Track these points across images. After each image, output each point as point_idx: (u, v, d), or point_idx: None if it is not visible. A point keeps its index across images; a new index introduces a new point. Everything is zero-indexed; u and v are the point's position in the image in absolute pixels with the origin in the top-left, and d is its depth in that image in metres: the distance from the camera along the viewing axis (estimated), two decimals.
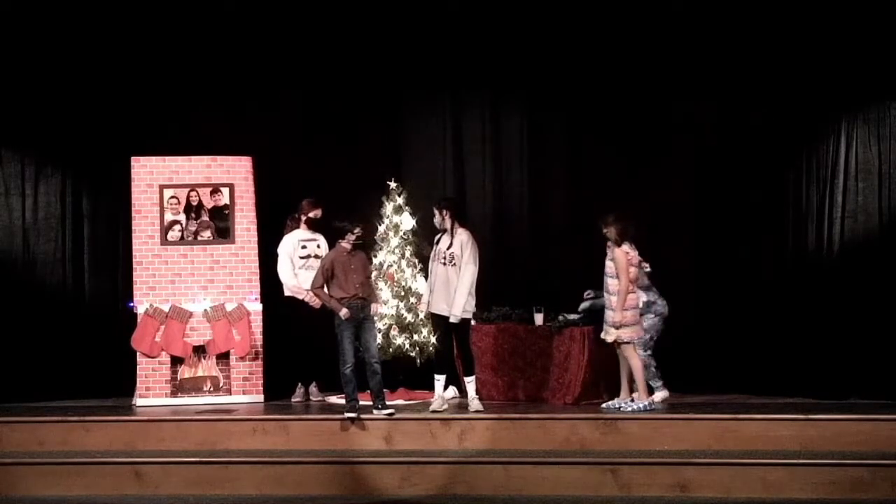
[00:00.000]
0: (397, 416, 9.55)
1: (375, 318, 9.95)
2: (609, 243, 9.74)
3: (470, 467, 8.87)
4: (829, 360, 10.38)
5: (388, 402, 9.71)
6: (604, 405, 9.82)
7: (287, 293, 10.52)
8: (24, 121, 11.34)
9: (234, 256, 10.87)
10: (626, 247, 9.64)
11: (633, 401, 9.72)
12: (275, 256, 10.67)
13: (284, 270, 10.53)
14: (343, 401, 9.78)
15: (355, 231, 9.73)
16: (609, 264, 9.74)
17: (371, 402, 9.66)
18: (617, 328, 9.63)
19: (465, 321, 9.81)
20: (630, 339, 9.68)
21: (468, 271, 9.66)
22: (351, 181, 11.56)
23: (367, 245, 11.03)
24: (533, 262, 11.68)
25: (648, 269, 9.95)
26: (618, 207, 9.87)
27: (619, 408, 9.67)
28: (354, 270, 9.74)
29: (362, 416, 9.47)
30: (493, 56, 11.62)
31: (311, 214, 10.64)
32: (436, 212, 9.84)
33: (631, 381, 9.77)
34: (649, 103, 11.33)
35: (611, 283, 9.72)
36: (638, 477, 8.62)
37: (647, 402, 9.65)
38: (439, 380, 9.78)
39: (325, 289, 9.76)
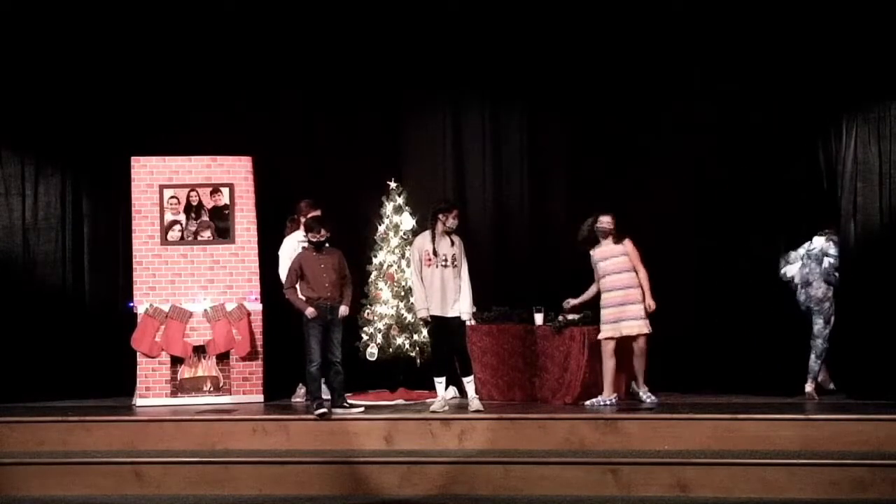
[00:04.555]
0: (397, 416, 9.55)
1: (373, 318, 9.92)
2: (611, 240, 9.87)
3: (470, 467, 8.86)
4: (830, 360, 10.37)
5: (387, 403, 9.67)
6: (587, 403, 9.86)
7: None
8: (24, 121, 11.35)
9: (234, 256, 10.86)
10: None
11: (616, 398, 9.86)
12: (275, 258, 10.66)
13: (286, 272, 10.50)
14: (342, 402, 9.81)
15: (319, 233, 9.75)
16: (619, 260, 9.82)
17: (346, 401, 9.80)
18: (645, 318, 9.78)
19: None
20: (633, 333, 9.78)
21: (467, 270, 9.76)
22: (351, 181, 11.57)
23: (369, 245, 11.08)
24: (533, 262, 11.67)
25: None
26: (609, 206, 10.03)
27: (606, 405, 9.73)
28: (324, 271, 9.75)
29: (363, 416, 9.49)
30: (493, 56, 11.62)
31: (309, 216, 10.62)
32: (453, 214, 9.78)
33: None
34: (649, 103, 11.33)
35: (626, 278, 9.78)
36: (638, 477, 8.61)
37: (612, 398, 9.78)
38: (440, 382, 9.77)
39: (297, 289, 9.80)
